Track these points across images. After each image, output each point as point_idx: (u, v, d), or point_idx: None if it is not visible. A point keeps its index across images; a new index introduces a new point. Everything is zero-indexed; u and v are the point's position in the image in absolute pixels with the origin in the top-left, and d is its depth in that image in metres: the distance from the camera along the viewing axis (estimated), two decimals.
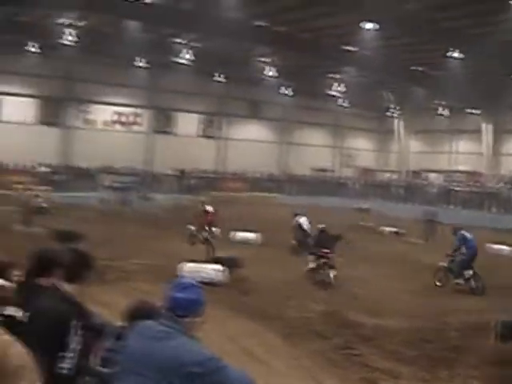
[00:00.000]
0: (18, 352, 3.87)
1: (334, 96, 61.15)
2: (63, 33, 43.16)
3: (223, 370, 3.84)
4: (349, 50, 46.82)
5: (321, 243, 21.12)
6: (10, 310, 5.77)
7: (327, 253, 20.52)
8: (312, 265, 20.95)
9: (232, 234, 28.33)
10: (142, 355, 3.94)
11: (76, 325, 5.00)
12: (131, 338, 4.20)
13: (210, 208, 25.78)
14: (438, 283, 20.79)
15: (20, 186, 33.93)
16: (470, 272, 19.98)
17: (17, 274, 6.74)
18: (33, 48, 47.00)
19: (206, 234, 24.85)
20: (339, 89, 59.26)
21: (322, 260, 20.49)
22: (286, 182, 58.94)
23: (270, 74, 53.17)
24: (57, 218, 29.38)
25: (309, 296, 17.85)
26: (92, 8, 37.89)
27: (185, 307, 4.06)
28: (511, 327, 13.82)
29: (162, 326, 4.02)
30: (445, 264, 20.81)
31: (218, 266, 18.70)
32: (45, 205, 30.44)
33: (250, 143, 58.51)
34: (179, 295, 4.08)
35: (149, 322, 4.18)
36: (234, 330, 13.96)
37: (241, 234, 27.98)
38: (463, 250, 20.32)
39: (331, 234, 22.02)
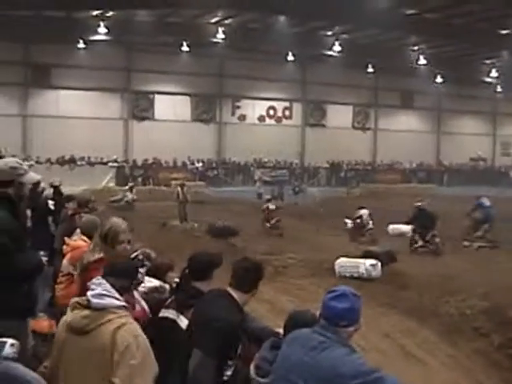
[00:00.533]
0: (129, 334, 4.35)
1: (489, 82, 59.05)
2: (214, 31, 43.81)
3: (379, 381, 3.77)
4: (504, 34, 44.90)
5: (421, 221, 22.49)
6: (169, 313, 5.80)
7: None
8: (420, 243, 22.53)
9: (389, 227, 27.78)
10: (299, 364, 3.90)
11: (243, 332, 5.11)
12: (287, 347, 4.18)
13: None
14: None
15: (177, 182, 34.67)
16: None
17: (174, 276, 6.79)
18: (185, 47, 48.00)
19: None
20: (495, 75, 57.11)
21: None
22: (441, 173, 57.57)
23: (422, 62, 51.91)
24: (212, 212, 29.86)
25: (467, 291, 17.13)
26: (241, 5, 38.25)
27: (342, 317, 4.04)
28: None
29: (320, 336, 3.98)
30: None
31: (372, 261, 18.31)
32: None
33: (403, 134, 57.49)
34: (337, 305, 4.04)
35: (306, 331, 4.14)
36: (388, 327, 13.64)
37: (395, 227, 27.35)
38: None
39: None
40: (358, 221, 25.82)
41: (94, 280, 4.82)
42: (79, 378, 4.45)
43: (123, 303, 4.65)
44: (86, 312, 4.55)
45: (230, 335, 4.85)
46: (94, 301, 4.57)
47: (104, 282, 4.71)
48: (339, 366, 3.73)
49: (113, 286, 4.67)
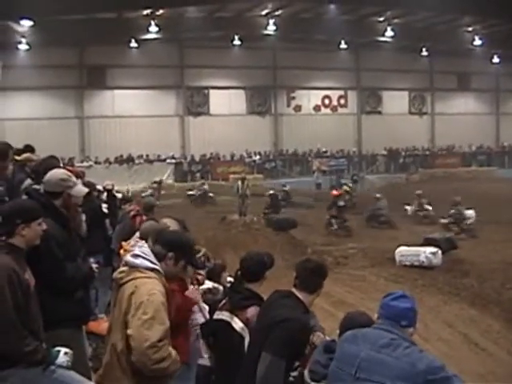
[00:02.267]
0: (145, 292, 4.75)
1: None
2: (264, 23, 43.70)
3: (451, 379, 3.89)
4: None
5: None
6: (223, 315, 5.85)
7: None
8: None
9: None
10: (372, 361, 3.96)
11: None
12: (349, 344, 4.20)
13: None
14: None
15: (237, 176, 34.87)
16: None
17: (228, 277, 6.84)
18: (237, 41, 48.06)
19: None
20: None
21: None
22: (502, 155, 56.54)
23: (477, 43, 51.02)
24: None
25: None
26: None
27: (404, 316, 4.12)
28: None
29: (390, 334, 4.05)
30: None
31: (432, 249, 18.13)
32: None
33: (461, 117, 56.49)
34: (399, 304, 4.15)
35: (370, 329, 4.20)
36: (450, 316, 13.54)
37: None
38: None
39: None
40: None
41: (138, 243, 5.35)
42: (114, 323, 4.97)
43: (155, 266, 5.00)
44: (124, 268, 5.09)
45: (299, 335, 4.88)
46: (130, 259, 5.07)
47: (145, 245, 5.21)
48: (417, 362, 3.82)
49: (152, 251, 5.09)
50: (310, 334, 4.99)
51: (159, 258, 5.06)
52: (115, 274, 5.16)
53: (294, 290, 5.20)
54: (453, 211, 24.22)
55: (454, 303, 14.42)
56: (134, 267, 5.01)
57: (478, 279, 16.43)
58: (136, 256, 5.05)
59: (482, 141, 56.14)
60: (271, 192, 29.33)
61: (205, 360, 6.16)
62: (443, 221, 24.09)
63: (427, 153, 54.33)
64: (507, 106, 58.91)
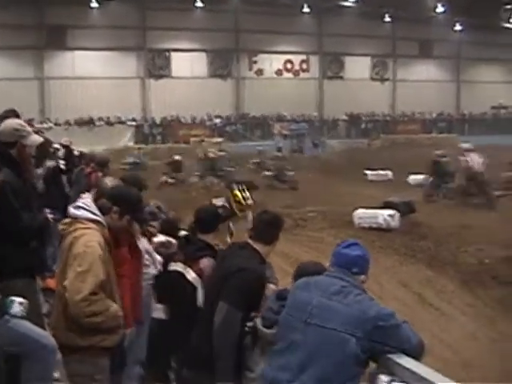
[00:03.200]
0: (83, 243, 4.72)
1: (509, 28, 58.10)
2: None
3: (401, 326, 3.95)
4: None
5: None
6: (177, 266, 5.85)
7: None
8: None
9: (409, 177, 27.66)
10: (322, 308, 4.01)
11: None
12: (301, 291, 4.25)
13: None
14: None
15: (196, 139, 34.73)
16: None
17: (182, 229, 6.82)
18: (199, 3, 47.66)
19: None
20: None
21: None
22: (462, 122, 57.03)
23: (440, 10, 51.15)
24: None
25: (486, 240, 17.05)
26: None
27: (355, 263, 4.20)
28: None
29: (341, 281, 4.11)
30: None
31: (390, 211, 18.27)
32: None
33: (423, 84, 56.78)
34: (350, 252, 4.22)
35: (322, 277, 4.26)
36: (406, 276, 13.68)
37: (415, 177, 27.21)
38: None
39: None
40: None
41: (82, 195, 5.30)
42: (58, 275, 4.96)
43: (97, 218, 4.96)
44: (67, 220, 5.06)
45: (254, 285, 4.92)
46: (72, 211, 5.04)
47: (88, 197, 5.16)
48: (367, 309, 3.90)
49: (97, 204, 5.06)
50: (265, 284, 5.00)
51: (104, 211, 5.02)
52: (59, 226, 5.13)
53: (250, 241, 5.20)
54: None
55: (410, 264, 14.56)
56: (75, 219, 4.97)
57: (435, 242, 16.58)
58: (78, 207, 5.02)
59: (443, 108, 56.65)
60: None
61: (159, 313, 6.15)
62: None
63: (388, 119, 54.69)
64: (467, 73, 59.35)
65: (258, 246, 5.16)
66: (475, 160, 22.42)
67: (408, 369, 3.75)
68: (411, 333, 3.97)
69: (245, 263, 5.01)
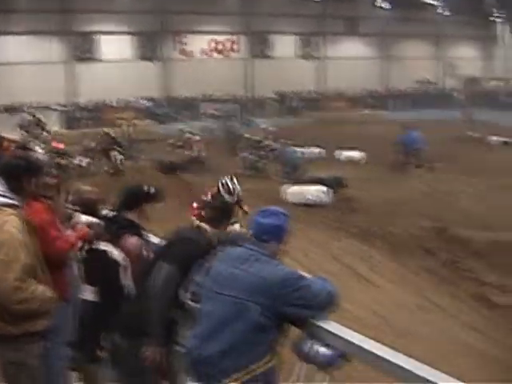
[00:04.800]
0: (3, 231, 4.59)
1: (432, 4, 59.00)
2: None
3: (307, 286, 3.93)
4: None
5: None
6: (101, 245, 5.83)
7: None
8: None
9: (337, 152, 27.97)
10: (231, 278, 4.04)
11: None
12: (217, 263, 4.30)
13: None
14: None
15: (124, 122, 34.39)
16: None
17: (105, 209, 6.78)
18: None
19: None
20: None
21: None
22: (388, 98, 57.78)
23: None
24: (163, 150, 29.68)
25: (416, 213, 17.43)
26: None
27: (268, 232, 4.16)
28: None
29: (248, 250, 4.12)
30: None
31: (321, 187, 18.50)
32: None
33: (350, 61, 57.30)
34: (264, 221, 4.19)
35: (237, 248, 4.25)
36: (337, 250, 13.87)
37: (345, 153, 27.54)
38: None
39: None
40: None
41: None
42: None
43: (12, 201, 4.82)
44: None
45: (196, 253, 4.93)
46: None
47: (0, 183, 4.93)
48: (269, 275, 3.89)
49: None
50: (205, 255, 5.02)
51: (16, 192, 4.91)
52: None
53: (200, 223, 5.27)
54: None
55: (342, 238, 14.78)
56: None
57: (366, 216, 16.91)
58: None
59: (370, 84, 57.26)
60: None
61: (88, 294, 6.12)
62: None
63: (317, 96, 54.98)
64: (393, 49, 60.14)
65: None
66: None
67: (332, 332, 3.81)
68: (321, 287, 3.98)
69: (189, 234, 5.16)
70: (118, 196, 6.08)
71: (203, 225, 5.24)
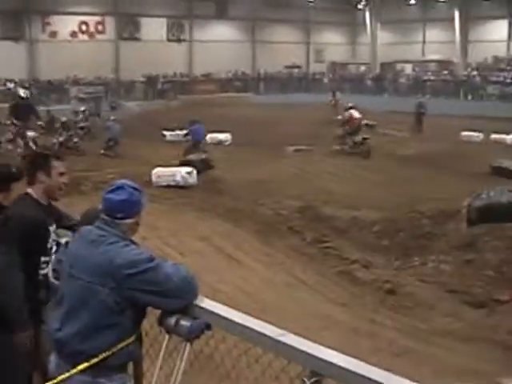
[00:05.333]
0: None
1: None
2: None
3: (157, 268, 3.75)
4: None
5: None
6: None
7: None
8: None
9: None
10: (80, 259, 3.91)
11: (54, 230, 5.01)
12: (71, 243, 4.26)
13: None
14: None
15: None
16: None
17: None
18: None
19: None
20: None
21: None
22: (257, 81, 58.31)
23: None
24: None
25: (283, 193, 17.73)
26: None
27: (119, 209, 3.98)
28: (481, 211, 13.95)
29: (100, 230, 3.95)
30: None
31: (188, 169, 18.53)
32: None
33: (220, 44, 57.37)
34: (114, 197, 3.99)
35: (89, 227, 4.10)
36: (205, 231, 13.92)
37: (212, 135, 27.64)
38: None
39: None
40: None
41: None
42: None
43: None
44: None
45: (27, 229, 4.76)
46: None
47: None
48: (115, 257, 3.75)
49: None
50: (44, 227, 4.89)
51: None
52: None
53: (28, 190, 5.03)
54: None
55: (208, 219, 14.83)
56: None
57: (232, 196, 17.07)
58: None
59: (239, 67, 57.59)
60: None
61: None
62: None
63: (186, 79, 54.95)
64: (262, 34, 60.66)
65: (35, 193, 4.99)
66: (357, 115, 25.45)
67: (206, 308, 3.74)
68: (173, 271, 3.79)
69: (12, 211, 4.95)
70: None
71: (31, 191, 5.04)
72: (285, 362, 3.20)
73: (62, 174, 5.02)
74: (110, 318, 3.76)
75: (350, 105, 26.11)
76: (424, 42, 61.45)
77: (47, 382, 3.64)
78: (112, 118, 27.53)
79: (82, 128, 27.14)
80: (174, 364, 3.84)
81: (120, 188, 4.03)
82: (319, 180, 20.05)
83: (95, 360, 3.69)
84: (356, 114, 25.48)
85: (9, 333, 4.73)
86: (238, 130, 28.40)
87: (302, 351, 3.07)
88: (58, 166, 5.00)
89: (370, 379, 2.79)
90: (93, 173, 20.08)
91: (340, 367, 2.92)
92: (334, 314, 10.55)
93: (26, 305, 4.74)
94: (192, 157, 20.57)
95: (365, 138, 24.49)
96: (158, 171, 18.61)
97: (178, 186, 17.81)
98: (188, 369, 3.86)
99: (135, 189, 4.08)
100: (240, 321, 3.46)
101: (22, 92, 23.24)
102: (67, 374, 3.67)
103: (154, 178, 18.37)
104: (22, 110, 21.74)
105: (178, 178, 18.02)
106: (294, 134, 28.35)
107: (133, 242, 3.97)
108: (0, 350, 4.85)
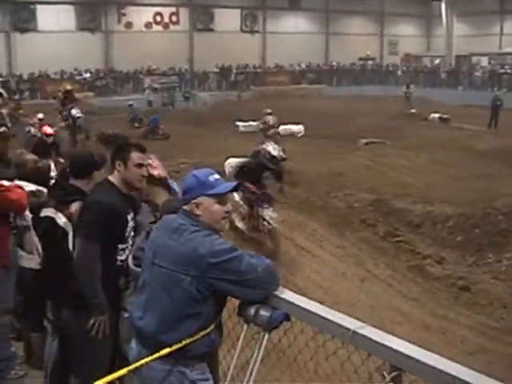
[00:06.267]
0: None
1: None
2: None
3: (239, 258, 3.77)
4: None
5: None
6: (48, 212, 5.75)
7: None
8: None
9: (279, 127, 28.05)
10: (162, 248, 3.94)
11: (133, 218, 5.13)
12: (153, 232, 4.21)
13: None
14: None
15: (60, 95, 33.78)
16: None
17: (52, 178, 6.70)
18: None
19: None
20: None
21: None
22: (330, 73, 58.07)
23: None
24: (102, 122, 29.31)
25: (355, 186, 17.66)
26: None
27: (189, 191, 3.98)
28: None
29: (180, 219, 3.98)
30: None
31: None
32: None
33: (292, 36, 57.31)
34: (184, 184, 4.04)
35: (171, 216, 4.14)
36: (278, 222, 13.88)
37: (285, 127, 27.62)
38: None
39: None
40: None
41: None
42: None
43: None
44: None
45: (108, 215, 4.87)
46: None
47: None
48: (198, 246, 3.77)
49: None
50: (121, 214, 4.99)
51: None
52: None
53: (109, 177, 5.14)
54: None
55: (281, 210, 14.80)
56: None
57: (305, 188, 17.04)
58: None
59: (312, 59, 57.39)
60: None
61: (30, 263, 6.05)
62: None
63: (258, 71, 54.99)
64: (336, 25, 60.29)
65: (115, 180, 5.10)
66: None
67: (285, 299, 3.73)
68: (256, 262, 3.81)
69: (97, 196, 5.01)
70: (69, 161, 5.98)
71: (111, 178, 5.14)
72: (363, 355, 3.18)
73: (140, 165, 5.05)
74: (192, 307, 3.79)
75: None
76: (502, 34, 60.12)
77: (126, 367, 3.69)
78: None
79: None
80: (250, 354, 3.87)
81: (190, 175, 4.04)
82: (392, 173, 19.89)
83: (177, 346, 3.72)
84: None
85: (87, 316, 4.86)
86: (311, 122, 28.33)
87: (383, 345, 3.06)
88: (135, 157, 5.04)
89: (456, 378, 2.75)
90: (165, 162, 20.21)
91: (424, 363, 2.88)
92: (406, 309, 10.51)
93: (104, 290, 4.86)
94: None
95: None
96: (230, 161, 18.65)
97: None
98: (265, 359, 3.89)
99: (194, 173, 4.05)
100: (319, 312, 3.46)
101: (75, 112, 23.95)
102: (146, 360, 3.71)
103: (227, 168, 18.41)
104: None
105: None
106: (367, 126, 28.19)
107: (215, 231, 3.97)
108: (79, 333, 4.98)
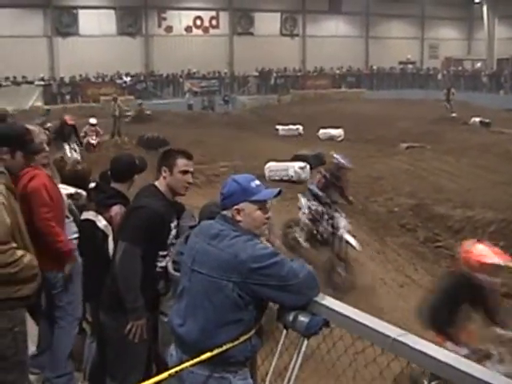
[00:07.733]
0: None
1: None
2: None
3: (281, 263, 3.74)
4: None
5: None
6: (89, 215, 5.82)
7: None
8: None
9: (319, 131, 28.07)
10: (202, 253, 3.93)
11: (176, 226, 5.15)
12: (194, 237, 4.16)
13: None
14: None
15: (106, 98, 34.28)
16: None
17: (93, 182, 6.77)
18: None
19: None
20: None
21: None
22: (370, 77, 57.79)
23: None
24: (143, 126, 29.53)
25: (395, 190, 17.57)
26: None
27: (229, 198, 3.96)
28: None
29: (220, 225, 3.96)
30: None
31: (300, 163, 18.57)
32: (130, 113, 30.59)
33: (332, 39, 57.16)
34: (223, 191, 4.00)
35: (209, 222, 4.14)
36: None
37: (324, 131, 27.66)
38: None
39: None
40: None
41: None
42: None
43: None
44: None
45: (154, 221, 4.89)
46: None
47: None
48: (239, 252, 3.75)
49: None
50: (165, 220, 5.00)
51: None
52: None
53: (156, 182, 5.16)
54: None
55: None
56: None
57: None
58: None
59: (352, 63, 57.15)
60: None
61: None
62: None
63: (298, 74, 54.94)
64: (376, 29, 60.01)
65: (161, 186, 5.12)
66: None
67: (325, 305, 3.71)
68: (297, 267, 3.78)
69: (142, 201, 5.02)
70: (110, 164, 6.02)
71: (157, 183, 5.16)
72: (403, 362, 3.16)
73: (185, 172, 5.06)
74: (234, 313, 3.78)
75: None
76: None
77: (166, 371, 3.69)
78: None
79: None
80: (288, 360, 3.85)
81: (229, 181, 4.04)
82: (432, 178, 19.73)
83: (218, 350, 3.72)
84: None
85: (124, 320, 4.88)
86: (351, 126, 28.28)
87: (423, 353, 3.02)
88: (181, 164, 5.05)
89: None
90: (205, 166, 20.33)
91: (463, 372, 2.83)
92: None
93: (143, 295, 4.87)
94: (305, 152, 20.60)
95: None
96: (270, 165, 18.73)
97: (290, 181, 17.89)
98: (303, 365, 3.87)
99: (235, 180, 4.05)
100: (359, 319, 3.44)
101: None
102: (186, 364, 3.72)
103: (266, 172, 18.49)
104: None
105: (291, 172, 18.11)
106: (407, 130, 28.06)
107: (255, 236, 3.95)
108: (116, 336, 5.02)
